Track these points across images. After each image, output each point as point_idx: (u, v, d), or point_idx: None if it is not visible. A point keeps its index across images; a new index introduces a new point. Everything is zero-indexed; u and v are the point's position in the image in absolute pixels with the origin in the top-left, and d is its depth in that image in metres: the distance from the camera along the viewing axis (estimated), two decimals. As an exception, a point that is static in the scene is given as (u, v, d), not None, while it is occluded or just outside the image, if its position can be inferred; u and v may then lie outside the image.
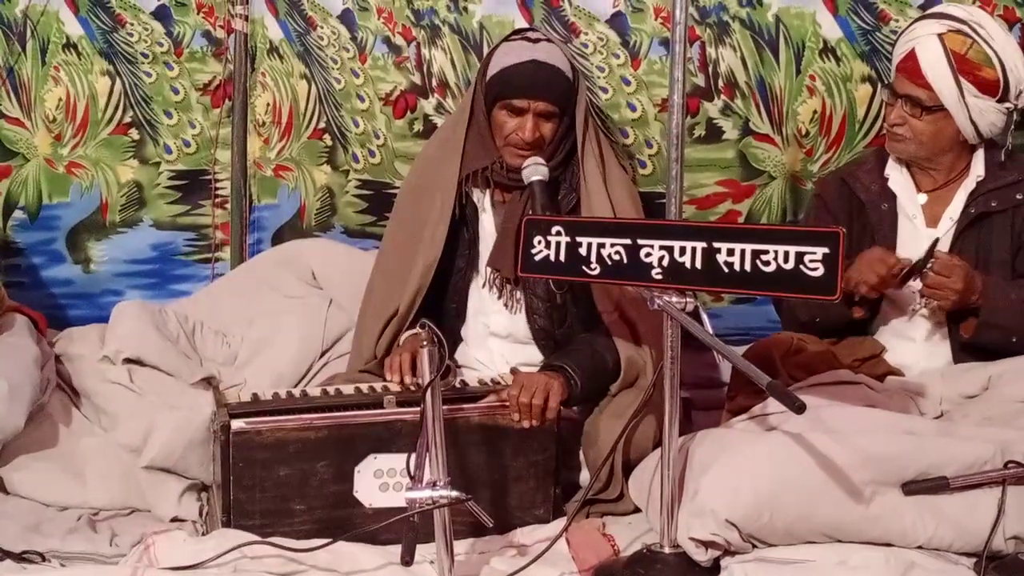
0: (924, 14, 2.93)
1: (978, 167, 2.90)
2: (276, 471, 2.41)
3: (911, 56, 2.81)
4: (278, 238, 3.53)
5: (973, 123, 2.80)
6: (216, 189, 3.50)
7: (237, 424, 2.40)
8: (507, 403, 2.51)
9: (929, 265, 2.71)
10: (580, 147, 2.82)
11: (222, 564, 2.29)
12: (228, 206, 3.51)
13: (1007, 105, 2.80)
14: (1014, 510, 2.27)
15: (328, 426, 2.42)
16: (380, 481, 2.44)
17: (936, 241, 2.78)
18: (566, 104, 2.80)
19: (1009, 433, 2.36)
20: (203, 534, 2.54)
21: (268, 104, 3.44)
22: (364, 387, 2.63)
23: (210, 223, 3.53)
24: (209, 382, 2.83)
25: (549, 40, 2.87)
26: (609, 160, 2.89)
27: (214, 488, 2.58)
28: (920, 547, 2.29)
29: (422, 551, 2.17)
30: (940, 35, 2.78)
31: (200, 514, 2.63)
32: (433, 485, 2.11)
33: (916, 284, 2.76)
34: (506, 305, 2.86)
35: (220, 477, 2.44)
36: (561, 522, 2.47)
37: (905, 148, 2.88)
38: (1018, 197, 2.85)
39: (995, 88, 2.78)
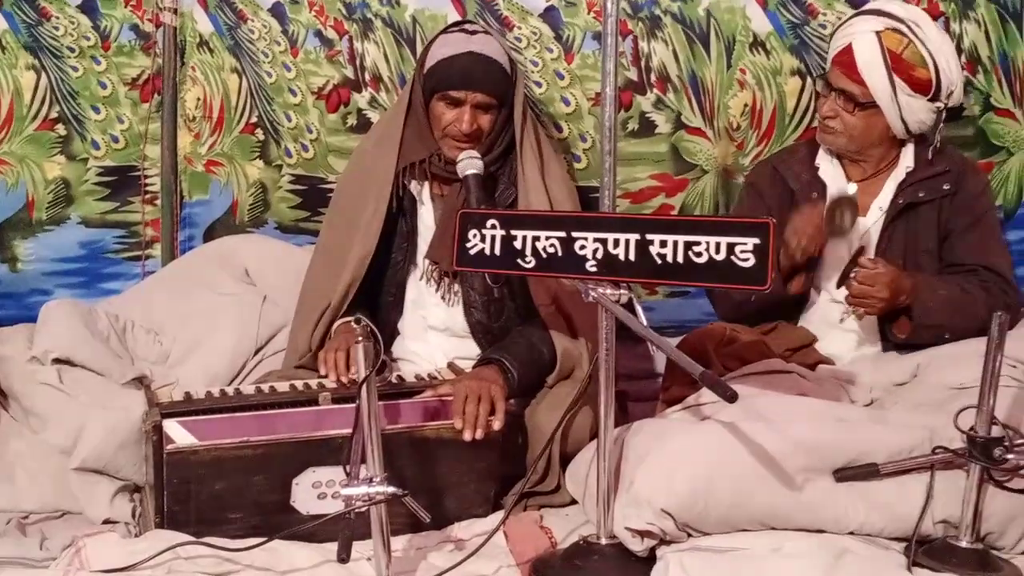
0: (863, 9, 2.96)
1: (907, 158, 2.95)
2: (211, 485, 2.36)
3: (848, 51, 2.85)
4: (210, 234, 3.48)
5: (903, 120, 2.85)
6: (146, 185, 3.45)
7: (171, 445, 2.34)
8: (445, 398, 2.51)
9: (853, 275, 2.75)
10: (519, 140, 2.82)
11: (155, 566, 2.25)
12: (158, 202, 3.45)
13: (938, 104, 2.86)
14: (942, 495, 2.31)
15: (266, 443, 2.37)
16: (318, 491, 2.41)
17: (861, 249, 2.82)
18: (503, 96, 2.80)
19: (937, 419, 2.39)
20: (136, 535, 2.50)
21: (198, 98, 3.39)
22: (299, 384, 2.60)
23: (140, 220, 3.48)
24: (141, 381, 2.79)
25: (487, 32, 2.87)
26: (547, 153, 2.90)
27: (147, 489, 2.54)
28: (852, 533, 2.32)
29: (359, 548, 2.16)
30: (878, 32, 2.82)
31: (133, 515, 2.59)
32: (369, 481, 2.10)
33: (842, 291, 2.80)
34: (443, 298, 2.86)
35: (153, 480, 2.40)
36: (498, 516, 2.47)
37: (835, 141, 2.92)
38: (945, 187, 2.90)
39: (927, 88, 2.83)
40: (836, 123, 2.90)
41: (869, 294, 2.74)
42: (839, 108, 2.88)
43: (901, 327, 2.83)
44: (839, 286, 2.80)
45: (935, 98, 2.85)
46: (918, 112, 2.85)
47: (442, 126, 2.78)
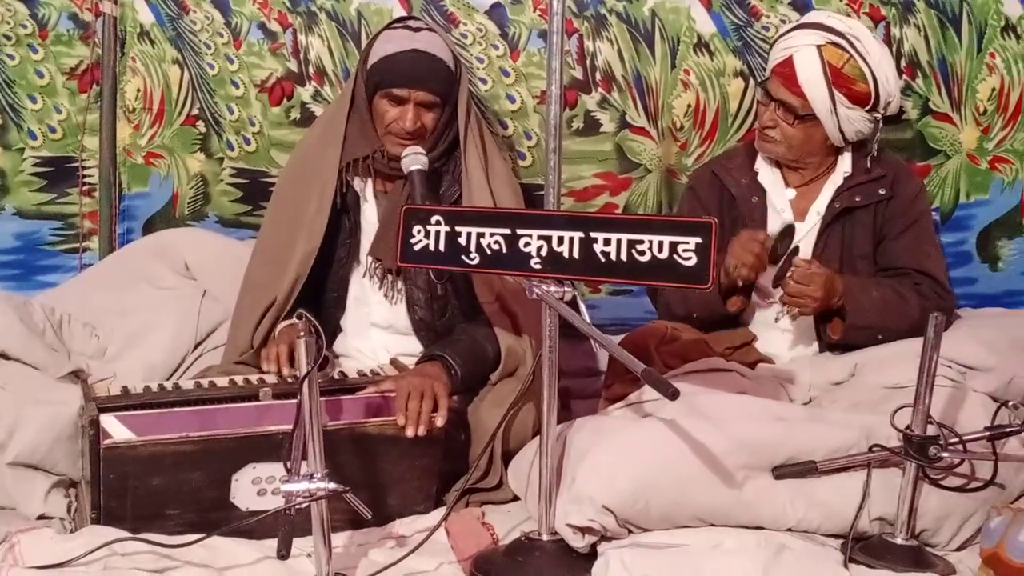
0: (805, 22, 2.99)
1: (845, 164, 2.99)
2: (149, 481, 2.33)
3: (788, 63, 2.88)
4: (149, 227, 3.44)
5: (841, 131, 2.89)
6: (84, 177, 3.39)
7: (108, 441, 2.29)
8: (387, 394, 2.49)
9: (789, 275, 2.78)
10: (463, 138, 2.81)
11: (91, 562, 2.21)
12: (96, 194, 3.40)
13: (875, 114, 2.90)
14: (878, 492, 2.35)
15: (206, 439, 2.34)
16: (258, 488, 2.39)
17: (792, 227, 2.85)
18: (447, 94, 2.79)
19: (874, 418, 2.43)
20: (71, 531, 2.46)
21: (139, 90, 3.34)
22: (239, 379, 2.58)
23: (77, 212, 3.42)
24: (77, 375, 2.75)
25: (431, 29, 2.86)
26: (491, 151, 2.89)
27: (82, 484, 2.50)
28: (790, 530, 2.35)
29: (299, 544, 2.14)
30: (819, 47, 2.85)
31: (68, 511, 2.55)
32: (310, 477, 2.08)
33: (778, 292, 2.83)
34: (386, 295, 2.85)
35: (89, 475, 2.36)
36: (440, 512, 2.47)
37: (774, 149, 2.95)
38: (881, 192, 2.95)
39: (867, 100, 2.87)
40: (776, 133, 2.93)
41: (805, 293, 2.77)
42: (779, 119, 2.91)
43: (834, 328, 2.87)
44: (775, 285, 2.83)
45: (873, 109, 2.89)
46: (856, 123, 2.89)
47: (385, 123, 2.77)
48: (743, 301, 2.91)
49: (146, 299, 3.07)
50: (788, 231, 2.83)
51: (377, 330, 2.89)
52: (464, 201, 2.79)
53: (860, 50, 2.85)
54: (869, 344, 2.83)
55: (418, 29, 2.82)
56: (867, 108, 2.88)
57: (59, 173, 3.39)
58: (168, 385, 2.57)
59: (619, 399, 2.69)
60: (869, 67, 2.85)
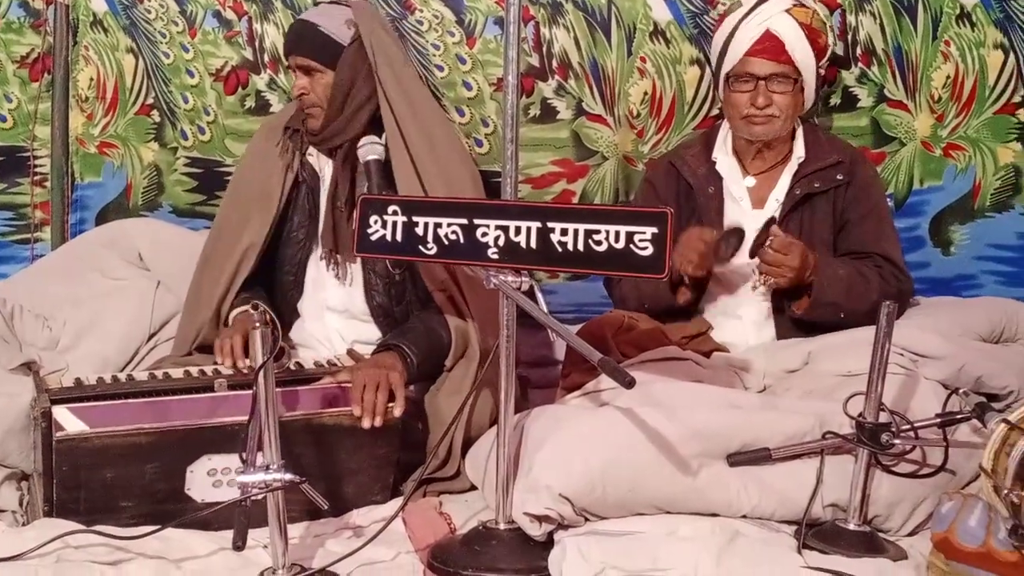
0: None
1: (799, 148, 3.01)
2: (102, 473, 2.31)
3: (768, 36, 2.89)
4: (102, 218, 3.41)
5: (816, 91, 2.95)
6: (35, 166, 3.35)
7: (61, 433, 2.28)
8: (344, 385, 2.49)
9: (768, 243, 2.79)
10: (387, 124, 2.75)
11: (44, 555, 2.19)
12: (48, 184, 3.36)
13: (819, 68, 2.97)
14: (831, 479, 2.36)
15: (159, 431, 2.33)
16: (213, 479, 2.38)
17: (772, 219, 2.87)
18: (327, 59, 2.74)
19: (827, 405, 2.45)
20: (24, 524, 2.44)
21: (92, 79, 3.31)
22: (194, 370, 2.56)
23: (29, 202, 3.38)
24: (29, 367, 2.72)
25: (345, 4, 2.82)
26: (437, 141, 2.80)
27: (35, 477, 2.48)
28: (745, 516, 2.36)
29: (255, 536, 2.14)
30: (788, 11, 2.88)
31: (20, 504, 2.53)
32: (266, 469, 2.07)
33: (754, 261, 2.84)
34: (337, 276, 2.83)
35: (42, 468, 2.34)
36: (397, 502, 2.47)
37: (771, 128, 2.94)
38: (839, 178, 2.96)
39: (824, 53, 2.92)
40: (773, 109, 2.92)
41: (783, 262, 2.78)
42: (772, 94, 2.91)
43: (799, 303, 2.89)
44: (752, 256, 2.84)
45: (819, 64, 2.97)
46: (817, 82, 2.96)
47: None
48: (691, 295, 2.92)
49: (99, 290, 3.04)
50: (735, 232, 2.83)
51: (333, 314, 2.88)
52: (397, 184, 2.75)
53: (812, 5, 2.94)
54: (832, 321, 2.85)
55: (322, 2, 2.85)
56: (819, 64, 2.95)
57: (10, 163, 3.36)
58: (122, 376, 2.55)
59: (576, 388, 2.70)
60: (823, 18, 2.92)
